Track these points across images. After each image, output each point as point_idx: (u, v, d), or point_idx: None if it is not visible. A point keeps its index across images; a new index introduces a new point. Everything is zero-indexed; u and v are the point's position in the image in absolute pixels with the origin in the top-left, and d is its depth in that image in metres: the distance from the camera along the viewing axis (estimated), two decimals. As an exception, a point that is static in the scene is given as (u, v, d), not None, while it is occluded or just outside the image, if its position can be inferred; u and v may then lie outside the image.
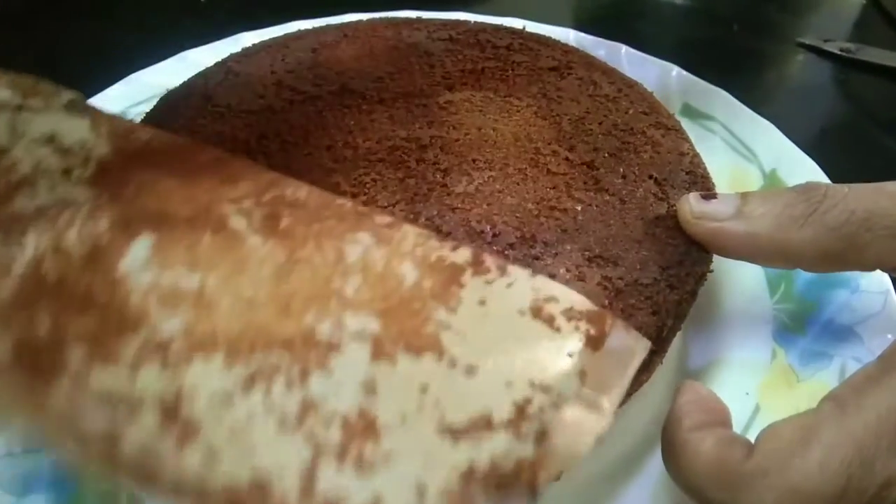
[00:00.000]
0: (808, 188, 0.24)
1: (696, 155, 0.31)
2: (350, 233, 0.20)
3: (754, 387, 0.27)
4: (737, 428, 0.26)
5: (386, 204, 0.24)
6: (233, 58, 0.35)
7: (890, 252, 0.23)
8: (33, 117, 0.23)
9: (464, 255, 0.19)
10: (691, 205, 0.25)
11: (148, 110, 0.32)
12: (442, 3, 0.47)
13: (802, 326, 0.29)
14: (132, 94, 0.40)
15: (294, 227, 0.20)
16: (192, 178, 0.21)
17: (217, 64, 0.34)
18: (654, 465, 0.26)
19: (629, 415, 0.28)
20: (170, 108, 0.31)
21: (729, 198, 0.25)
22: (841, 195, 0.23)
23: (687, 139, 0.31)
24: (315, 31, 0.37)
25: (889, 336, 0.28)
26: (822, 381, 0.27)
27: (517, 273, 0.19)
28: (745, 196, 0.25)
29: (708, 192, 0.26)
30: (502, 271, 0.19)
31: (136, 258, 0.19)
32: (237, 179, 0.21)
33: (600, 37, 0.45)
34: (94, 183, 0.22)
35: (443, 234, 0.23)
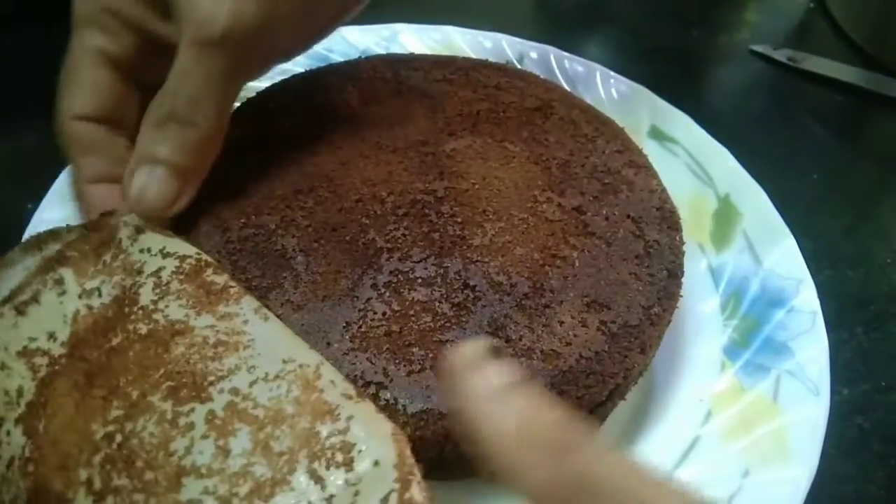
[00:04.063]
0: None
1: (664, 190, 0.36)
2: None
3: (707, 394, 0.33)
4: (691, 429, 0.32)
5: (418, 259, 0.29)
6: (251, 102, 0.38)
7: None
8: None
9: None
10: None
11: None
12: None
13: (747, 341, 0.35)
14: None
15: None
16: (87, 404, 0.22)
17: (244, 104, 0.38)
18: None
19: (607, 425, 0.33)
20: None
21: None
22: None
23: (655, 175, 0.37)
24: (321, 72, 0.40)
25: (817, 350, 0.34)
26: (760, 391, 0.32)
27: None
28: None
29: None
30: None
31: None
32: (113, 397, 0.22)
33: (564, 40, 0.49)
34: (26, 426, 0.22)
35: (470, 287, 0.28)
